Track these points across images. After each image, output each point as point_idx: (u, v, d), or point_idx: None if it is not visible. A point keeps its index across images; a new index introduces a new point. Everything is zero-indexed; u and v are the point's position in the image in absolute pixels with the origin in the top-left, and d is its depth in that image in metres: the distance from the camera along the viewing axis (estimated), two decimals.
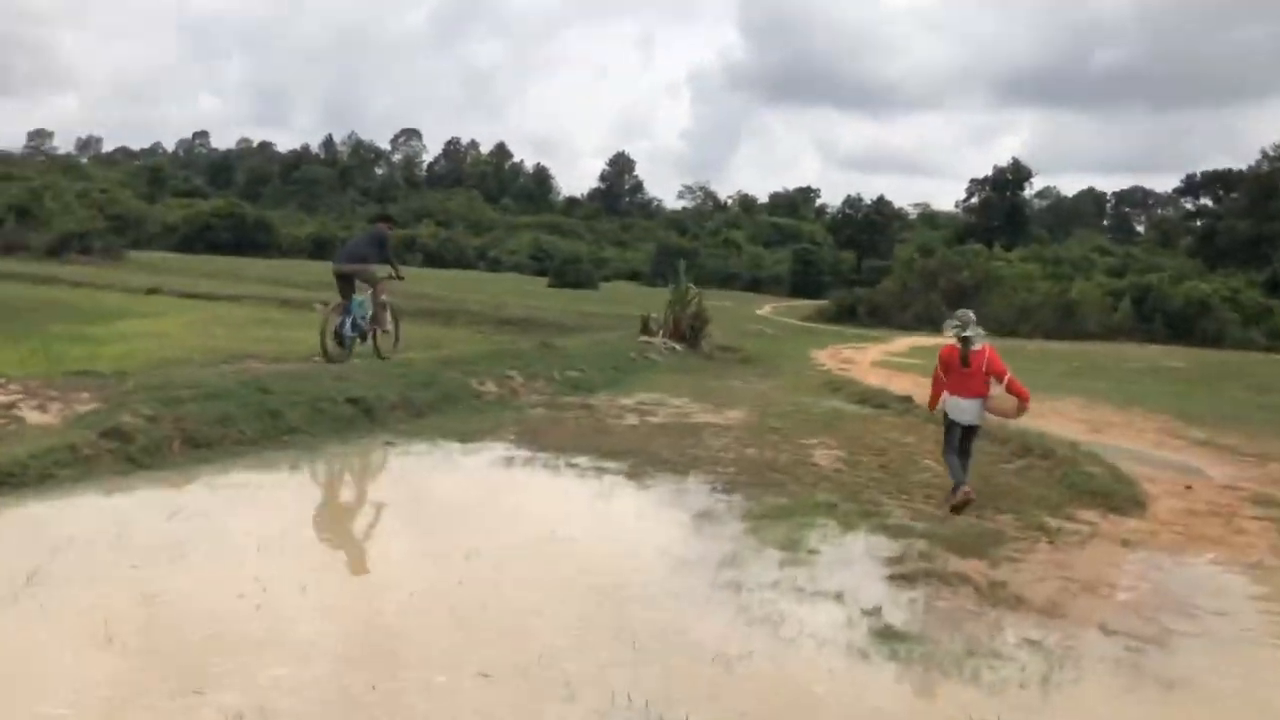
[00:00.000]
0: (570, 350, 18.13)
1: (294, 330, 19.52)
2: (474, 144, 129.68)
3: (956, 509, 8.53)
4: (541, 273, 75.64)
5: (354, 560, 6.81)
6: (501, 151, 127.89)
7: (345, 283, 13.68)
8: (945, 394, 9.21)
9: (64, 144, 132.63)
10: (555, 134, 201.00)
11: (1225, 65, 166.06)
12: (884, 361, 26.45)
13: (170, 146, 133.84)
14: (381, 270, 14.20)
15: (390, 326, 14.44)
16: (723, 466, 10.01)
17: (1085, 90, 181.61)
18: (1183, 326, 50.36)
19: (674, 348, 22.24)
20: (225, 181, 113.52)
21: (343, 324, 13.52)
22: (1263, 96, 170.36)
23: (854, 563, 7.00)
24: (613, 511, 8.34)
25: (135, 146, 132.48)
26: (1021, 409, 9.22)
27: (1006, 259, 57.55)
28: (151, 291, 28.46)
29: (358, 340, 13.78)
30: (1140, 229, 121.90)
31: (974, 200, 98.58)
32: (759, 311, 53.37)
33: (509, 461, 9.67)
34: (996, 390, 9.04)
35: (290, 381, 10.63)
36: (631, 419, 12.74)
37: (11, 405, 8.27)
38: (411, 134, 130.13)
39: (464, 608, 5.44)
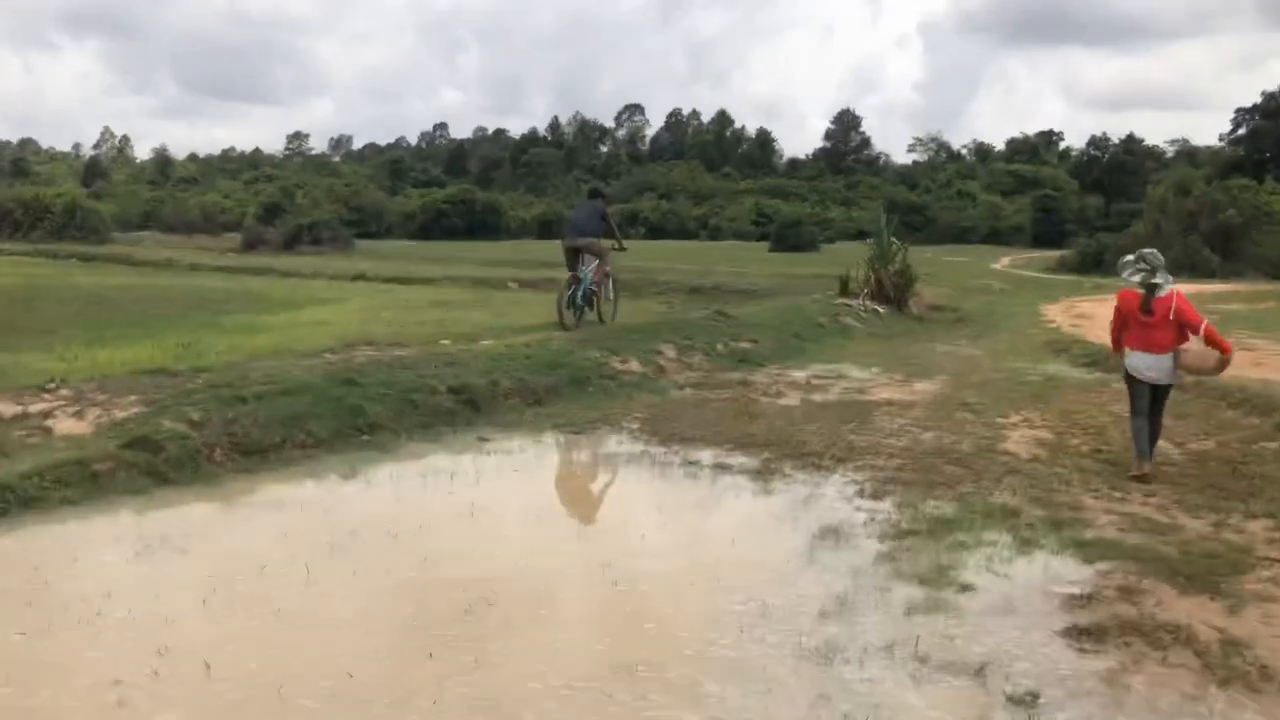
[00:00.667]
0: (748, 318, 16.31)
1: (468, 311, 18.68)
2: (695, 114, 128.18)
3: (1138, 479, 7.42)
4: (764, 238, 73.51)
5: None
6: (723, 119, 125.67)
7: (574, 256, 14.60)
8: (1127, 349, 7.94)
9: (319, 144, 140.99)
10: (781, 98, 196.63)
11: None
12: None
13: (413, 140, 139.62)
14: (606, 242, 14.96)
15: (612, 295, 15.19)
16: (885, 458, 8.04)
17: None
18: None
19: (876, 310, 19.98)
20: (460, 169, 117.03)
21: (574, 295, 14.36)
22: None
23: (1020, 608, 4.96)
24: (703, 532, 6.55)
25: (382, 142, 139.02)
26: (1223, 364, 7.70)
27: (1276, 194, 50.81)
28: (357, 278, 28.57)
29: (586, 309, 14.55)
30: None
31: (1241, 132, 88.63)
32: (994, 265, 49.40)
33: (610, 459, 8.09)
34: (1192, 343, 7.67)
35: (387, 371, 9.41)
36: (793, 398, 10.86)
37: (48, 413, 7.37)
38: (635, 109, 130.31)
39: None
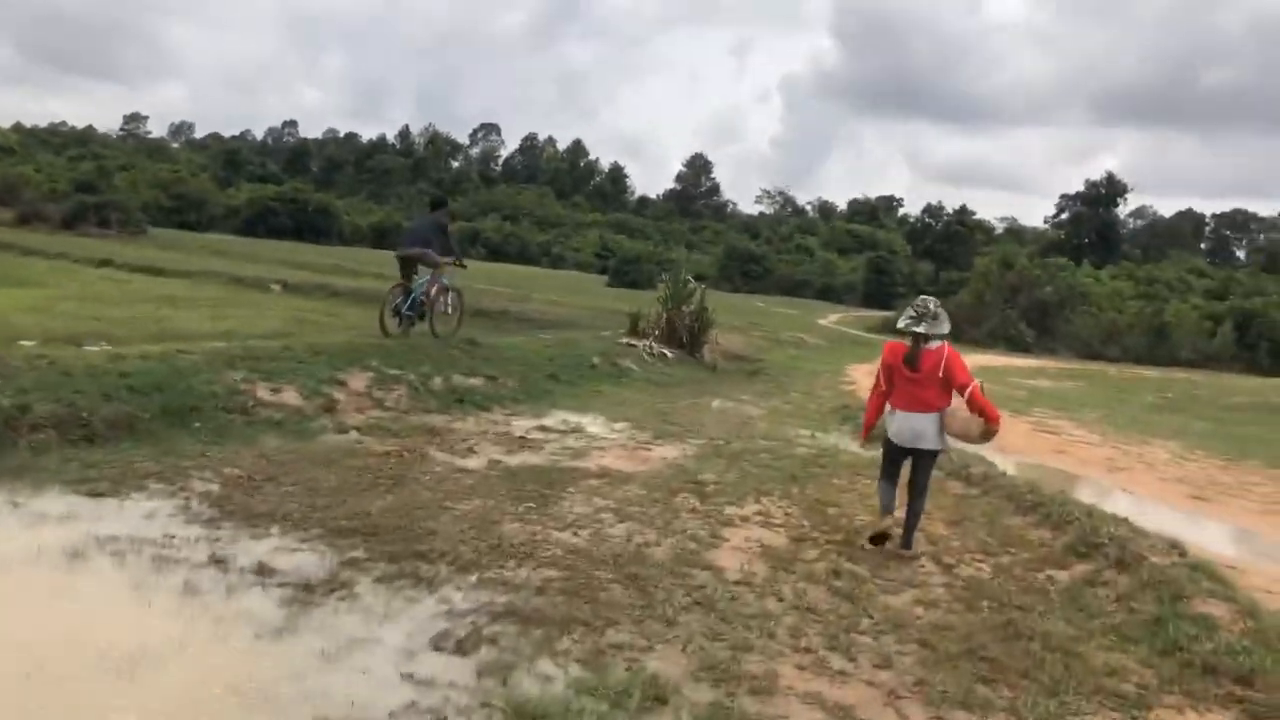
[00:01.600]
0: (504, 350, 13.72)
1: (189, 311, 15.70)
2: (551, 140, 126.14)
3: (876, 540, 6.77)
4: (604, 271, 71.54)
5: None
6: (578, 149, 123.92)
7: (407, 265, 13.93)
8: (888, 409, 6.92)
9: (158, 129, 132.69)
10: (644, 138, 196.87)
11: None
12: None
13: (260, 134, 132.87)
14: (445, 258, 14.09)
15: (451, 310, 14.28)
16: (535, 567, 5.48)
17: (1191, 109, 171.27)
18: None
19: (664, 354, 17.69)
20: (303, 169, 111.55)
21: (402, 303, 13.63)
22: None
23: None
24: None
25: (226, 133, 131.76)
26: (989, 434, 6.70)
27: (1095, 276, 51.65)
28: (103, 263, 24.85)
29: (415, 320, 13.70)
30: (1241, 254, 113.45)
31: (1064, 216, 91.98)
32: (822, 321, 48.39)
33: (88, 552, 5.17)
34: (956, 404, 6.72)
35: None
36: (482, 458, 8.25)
37: None
38: (491, 129, 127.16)
39: None
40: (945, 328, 6.65)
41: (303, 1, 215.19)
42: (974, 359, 32.22)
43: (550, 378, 13.19)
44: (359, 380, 9.95)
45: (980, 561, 6.80)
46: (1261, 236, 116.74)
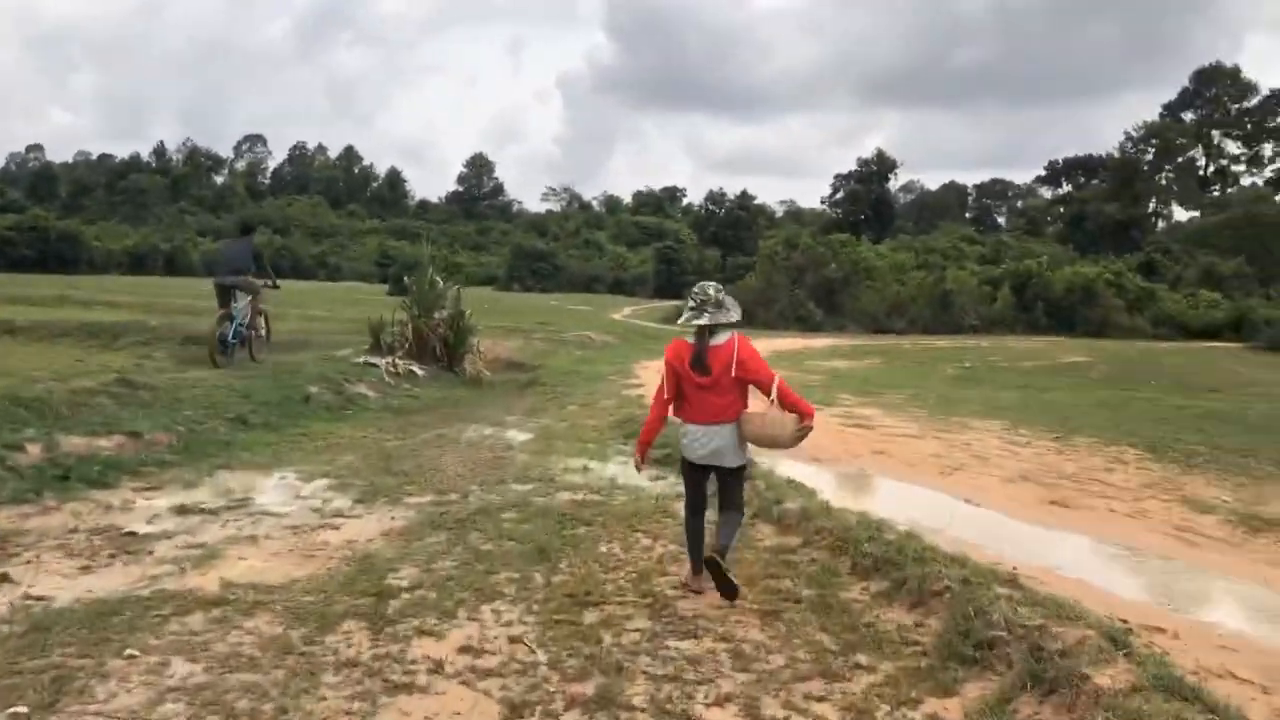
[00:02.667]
0: (174, 392, 10.30)
1: None
2: (322, 148, 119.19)
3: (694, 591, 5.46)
4: (386, 279, 67.12)
5: None
6: (350, 155, 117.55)
7: (225, 293, 13.72)
8: (680, 423, 5.55)
9: None
10: (423, 142, 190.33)
11: (1077, 62, 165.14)
12: None
13: (1, 162, 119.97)
14: (259, 280, 14.05)
15: (264, 331, 14.33)
16: None
17: (945, 88, 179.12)
18: (1065, 315, 44.86)
19: (413, 370, 14.58)
20: (48, 194, 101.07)
21: (225, 333, 13.52)
22: (1113, 91, 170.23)
23: None
24: None
25: None
26: (803, 433, 5.38)
27: (876, 251, 51.37)
28: None
29: (238, 346, 13.66)
30: (1002, 220, 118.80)
31: (839, 195, 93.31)
32: (615, 315, 46.00)
33: None
34: (761, 406, 5.36)
35: None
36: (18, 589, 4.99)
37: None
38: (256, 139, 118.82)
39: None
40: (734, 315, 5.40)
41: (45, 18, 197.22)
42: (769, 344, 30.50)
43: (236, 422, 9.88)
44: None
45: (822, 700, 4.12)
46: (1019, 203, 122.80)
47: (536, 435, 11.15)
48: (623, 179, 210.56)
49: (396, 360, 14.52)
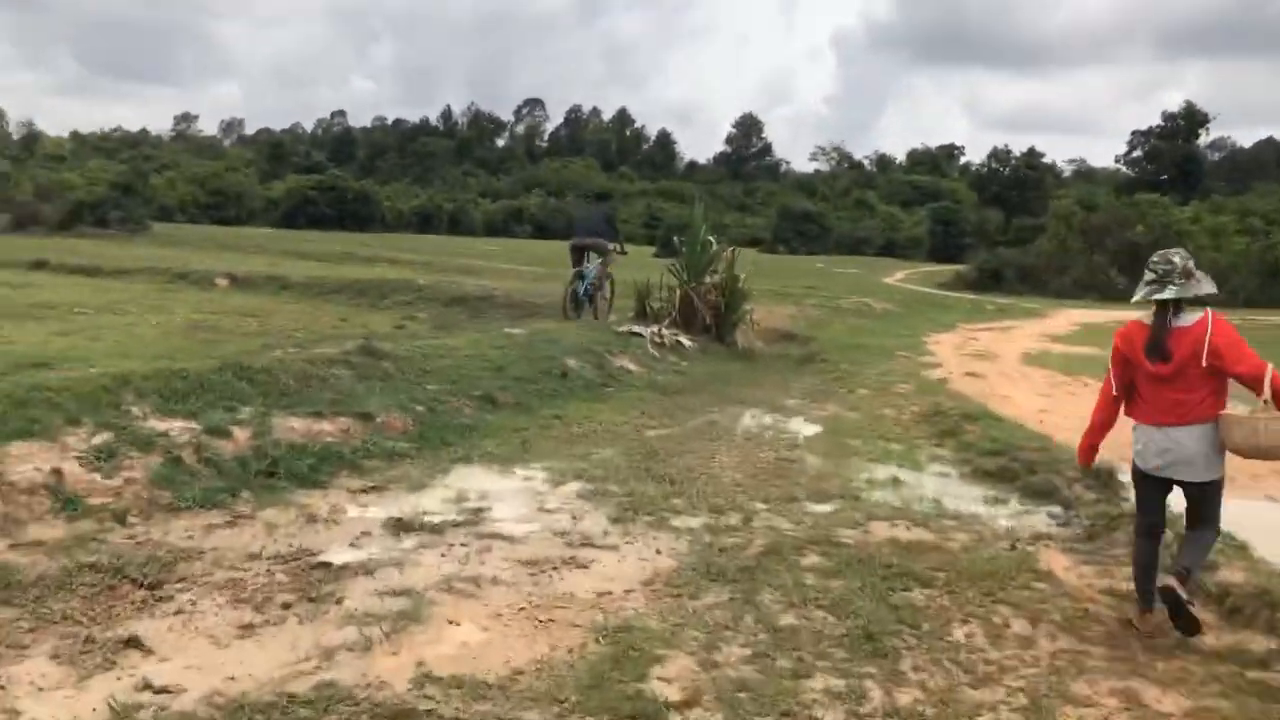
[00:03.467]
0: (422, 361, 9.07)
1: (58, 325, 11.40)
2: (596, 111, 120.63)
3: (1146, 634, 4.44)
4: (653, 241, 66.70)
5: None
6: (623, 118, 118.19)
7: (580, 254, 14.22)
8: (1133, 425, 4.58)
9: (209, 127, 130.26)
10: (693, 104, 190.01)
11: None
12: (1042, 355, 16.38)
13: (310, 127, 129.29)
14: (610, 245, 14.46)
15: (609, 294, 14.69)
16: None
17: (1262, 36, 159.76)
18: None
19: (680, 342, 12.92)
20: (347, 157, 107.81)
21: (578, 289, 14.05)
22: None
23: None
24: None
25: (277, 128, 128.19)
26: None
27: (1192, 211, 45.43)
28: (37, 265, 20.80)
29: (587, 303, 14.05)
30: None
31: (1136, 153, 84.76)
32: (887, 280, 43.05)
33: None
34: (1239, 408, 4.32)
35: None
36: (120, 677, 3.54)
37: None
38: (535, 104, 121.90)
39: None
40: (1206, 287, 4.39)
41: None
42: (1067, 316, 26.96)
43: (484, 402, 8.49)
44: (81, 439, 5.40)
45: None
46: None
47: (825, 428, 9.19)
48: (895, 139, 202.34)
49: (663, 330, 12.88)
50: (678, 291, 13.66)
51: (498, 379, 9.22)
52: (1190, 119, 77.12)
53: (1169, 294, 4.32)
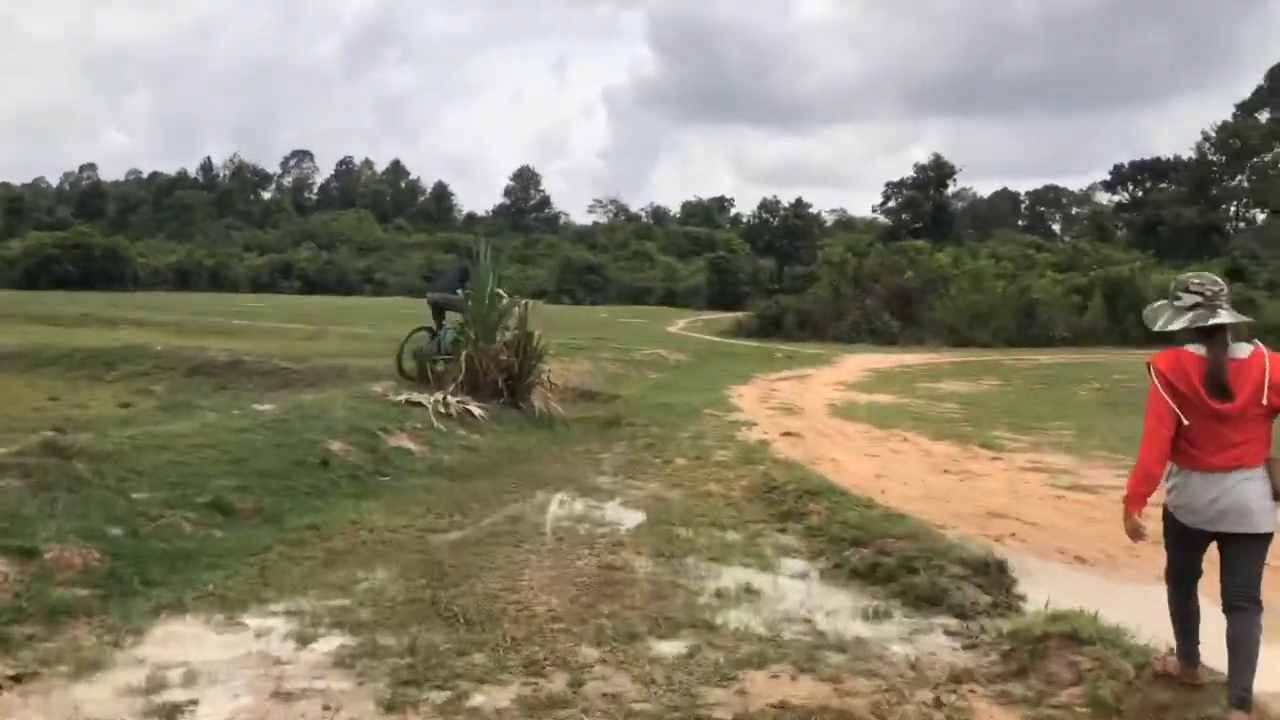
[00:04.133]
0: (131, 456, 6.86)
1: None
2: (369, 163, 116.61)
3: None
4: None
5: None
6: (397, 170, 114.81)
7: (438, 311, 13.25)
8: (1173, 470, 4.00)
9: None
10: (469, 158, 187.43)
11: (1125, 69, 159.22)
12: (848, 406, 15.50)
13: (55, 181, 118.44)
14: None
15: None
16: None
17: (993, 97, 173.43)
18: None
19: (469, 410, 11.06)
20: (97, 211, 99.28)
21: (430, 348, 12.86)
22: (1163, 98, 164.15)
23: None
24: None
25: (18, 182, 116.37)
26: None
27: (954, 256, 47.35)
28: None
29: (440, 363, 12.55)
30: (1057, 228, 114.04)
31: (891, 204, 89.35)
32: (670, 328, 42.51)
33: None
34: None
35: None
36: None
37: None
38: (303, 155, 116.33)
39: None
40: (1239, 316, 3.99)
41: (102, 40, 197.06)
42: (855, 361, 26.73)
43: (211, 511, 6.39)
44: None
45: None
46: (1074, 209, 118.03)
47: (649, 515, 7.62)
48: (667, 191, 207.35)
49: (448, 397, 11.01)
50: (464, 353, 11.81)
51: (235, 476, 7.13)
52: (939, 170, 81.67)
53: (1224, 318, 3.88)
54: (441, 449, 9.69)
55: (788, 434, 11.71)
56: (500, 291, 12.56)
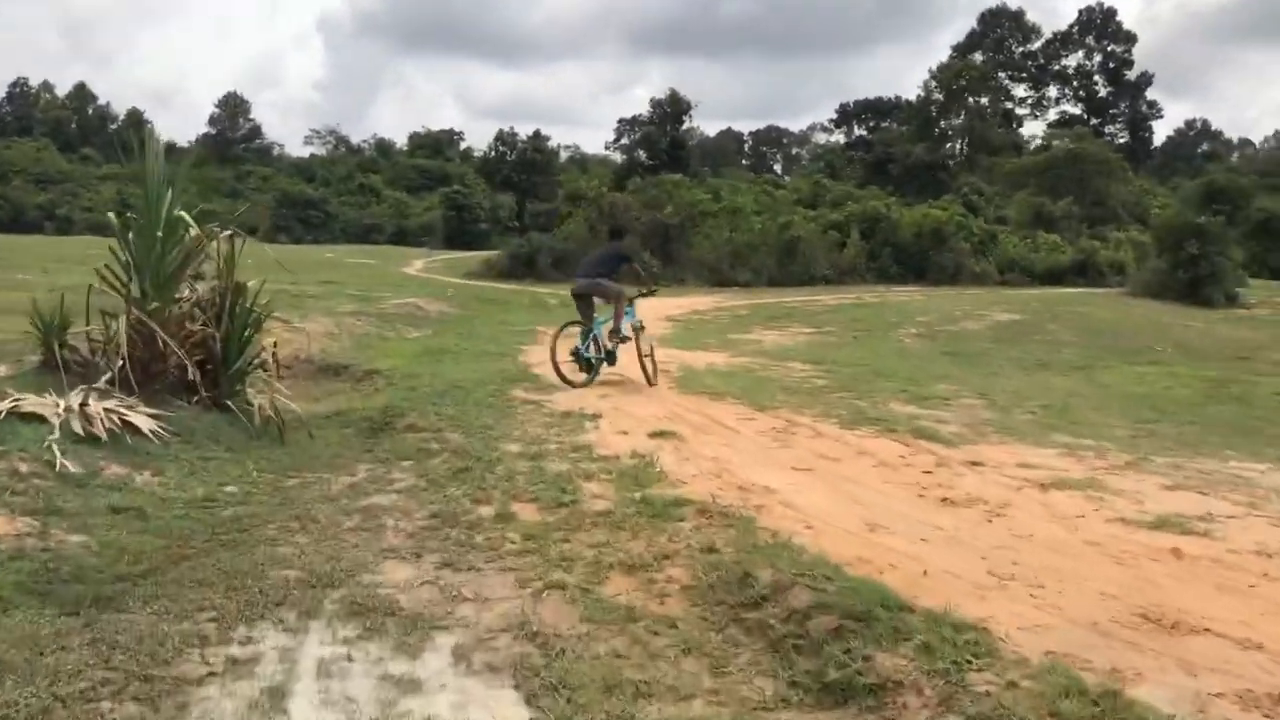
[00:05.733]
0: None
1: None
2: (47, 85, 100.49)
3: None
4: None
5: None
6: (83, 95, 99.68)
7: (584, 303, 10.88)
8: None
9: None
10: (171, 86, 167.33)
11: (836, 15, 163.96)
12: (688, 376, 11.64)
13: None
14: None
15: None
16: None
17: (713, 40, 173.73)
18: (915, 262, 39.61)
19: (132, 424, 6.18)
20: None
21: (582, 347, 10.45)
22: (872, 44, 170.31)
23: None
24: None
25: None
26: None
27: (713, 192, 44.54)
28: None
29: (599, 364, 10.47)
30: (778, 168, 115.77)
31: (625, 140, 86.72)
32: (407, 270, 37.28)
33: None
34: None
35: None
36: None
37: None
38: None
39: None
40: None
41: None
42: (653, 306, 23.01)
43: None
44: None
45: None
46: (795, 150, 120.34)
47: (520, 684, 3.32)
48: (391, 125, 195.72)
49: (92, 401, 6.08)
50: (121, 320, 6.82)
51: None
52: (676, 105, 79.24)
53: None
54: (74, 504, 4.87)
55: (659, 434, 7.59)
56: (185, 216, 7.53)
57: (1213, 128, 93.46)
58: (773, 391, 10.42)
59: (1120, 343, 18.00)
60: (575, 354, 10.33)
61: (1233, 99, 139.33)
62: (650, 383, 10.48)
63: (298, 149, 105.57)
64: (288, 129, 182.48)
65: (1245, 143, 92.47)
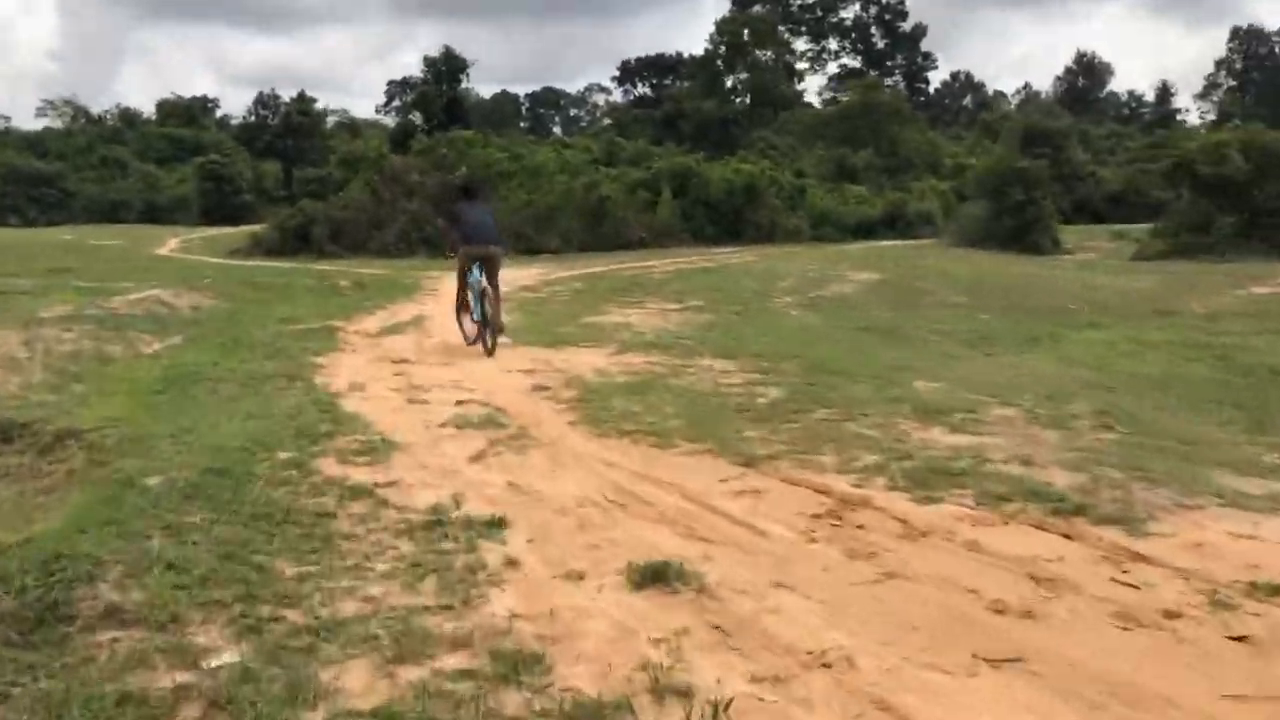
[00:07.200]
0: None
1: None
2: None
3: None
4: None
5: None
6: None
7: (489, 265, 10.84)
8: None
9: None
10: None
11: None
12: (584, 395, 7.65)
13: None
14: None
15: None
16: None
17: (479, 3, 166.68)
18: (730, 221, 36.74)
19: None
20: None
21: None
22: (638, 3, 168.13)
23: None
24: None
25: None
26: None
27: (510, 151, 39.94)
28: None
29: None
30: (558, 130, 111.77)
31: (397, 103, 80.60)
32: (161, 250, 31.12)
33: None
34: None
35: None
36: None
37: None
38: None
39: None
40: None
41: None
42: (446, 283, 18.84)
43: None
44: None
45: None
46: (574, 111, 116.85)
47: None
48: (137, 95, 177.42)
49: None
50: None
51: None
52: (451, 62, 73.62)
53: None
54: None
55: (655, 576, 3.65)
56: None
57: (975, 80, 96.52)
58: (729, 419, 6.66)
59: (1028, 302, 15.34)
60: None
61: (976, 56, 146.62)
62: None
63: (28, 122, 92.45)
64: (16, 103, 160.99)
65: (1000, 95, 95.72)
